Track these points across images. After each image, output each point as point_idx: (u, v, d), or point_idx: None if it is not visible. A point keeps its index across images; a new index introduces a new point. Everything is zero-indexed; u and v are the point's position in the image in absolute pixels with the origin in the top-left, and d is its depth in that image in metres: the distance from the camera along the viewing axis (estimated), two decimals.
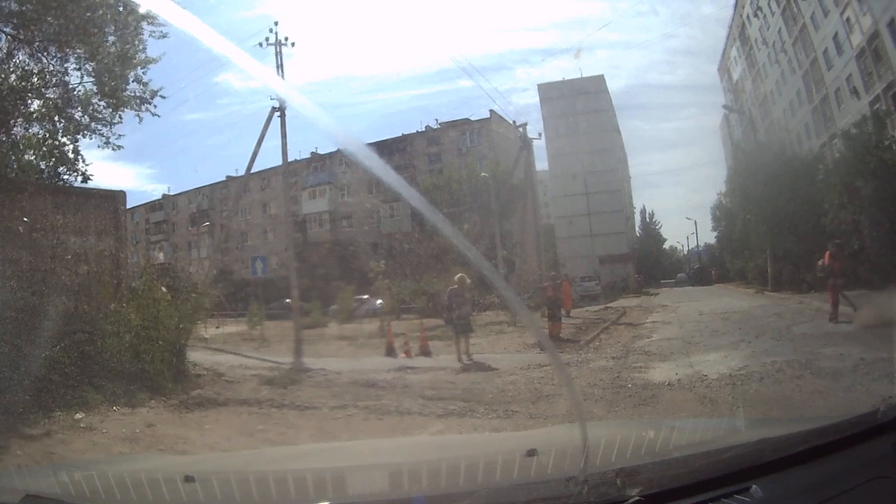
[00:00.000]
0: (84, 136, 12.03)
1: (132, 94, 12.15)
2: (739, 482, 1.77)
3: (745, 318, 15.34)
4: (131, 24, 11.54)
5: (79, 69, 11.61)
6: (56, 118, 11.77)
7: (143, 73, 12.21)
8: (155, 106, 12.57)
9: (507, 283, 16.99)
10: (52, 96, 11.74)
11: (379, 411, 7.78)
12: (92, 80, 11.70)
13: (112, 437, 6.81)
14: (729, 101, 44.58)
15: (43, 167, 11.88)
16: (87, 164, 12.19)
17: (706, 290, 35.49)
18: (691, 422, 4.31)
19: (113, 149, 12.41)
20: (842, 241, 15.33)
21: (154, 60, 12.26)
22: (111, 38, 11.56)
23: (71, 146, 11.98)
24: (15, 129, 11.45)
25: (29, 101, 11.62)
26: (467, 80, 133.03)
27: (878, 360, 7.51)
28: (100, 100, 11.92)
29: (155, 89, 12.47)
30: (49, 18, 10.65)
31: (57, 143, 11.84)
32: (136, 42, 11.78)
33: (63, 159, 11.85)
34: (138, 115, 12.36)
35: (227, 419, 7.91)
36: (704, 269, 49.86)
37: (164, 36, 12.07)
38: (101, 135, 12.21)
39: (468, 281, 12.99)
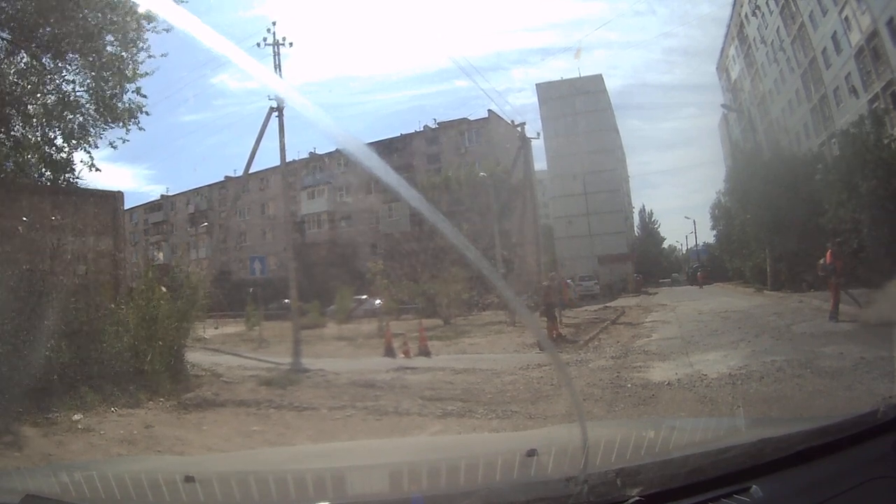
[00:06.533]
0: (78, 147, 11.93)
1: (125, 107, 11.98)
2: (739, 482, 1.77)
3: (744, 318, 15.34)
4: (131, 24, 11.47)
5: (76, 75, 11.57)
6: (53, 122, 11.68)
7: (145, 75, 12.10)
8: (148, 114, 12.43)
9: (506, 283, 17.15)
10: (49, 101, 11.67)
11: (378, 412, 7.76)
12: (90, 82, 11.62)
13: (110, 439, 6.78)
14: (727, 101, 44.65)
15: (41, 170, 11.82)
16: (80, 174, 12.16)
17: (704, 289, 35.55)
18: (691, 422, 4.29)
19: (113, 146, 12.39)
20: (842, 240, 15.34)
21: (149, 73, 12.18)
22: (110, 40, 11.48)
23: (63, 155, 11.88)
24: (14, 130, 11.39)
25: (27, 103, 11.54)
26: (466, 80, 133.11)
27: (878, 359, 7.50)
28: (95, 109, 11.85)
29: (142, 105, 12.24)
30: (50, 22, 10.58)
31: (50, 151, 11.75)
32: (137, 47, 11.70)
33: (56, 167, 11.77)
34: (126, 128, 12.27)
35: (225, 420, 7.89)
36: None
37: (164, 36, 12.00)
38: (99, 143, 12.15)
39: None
